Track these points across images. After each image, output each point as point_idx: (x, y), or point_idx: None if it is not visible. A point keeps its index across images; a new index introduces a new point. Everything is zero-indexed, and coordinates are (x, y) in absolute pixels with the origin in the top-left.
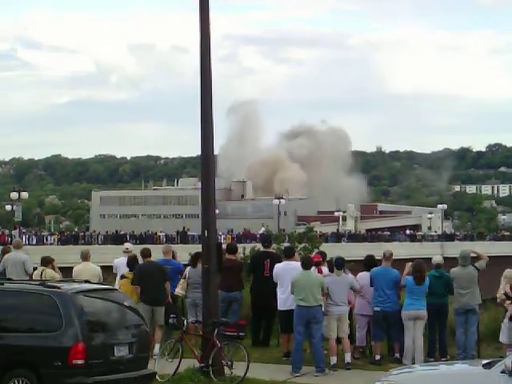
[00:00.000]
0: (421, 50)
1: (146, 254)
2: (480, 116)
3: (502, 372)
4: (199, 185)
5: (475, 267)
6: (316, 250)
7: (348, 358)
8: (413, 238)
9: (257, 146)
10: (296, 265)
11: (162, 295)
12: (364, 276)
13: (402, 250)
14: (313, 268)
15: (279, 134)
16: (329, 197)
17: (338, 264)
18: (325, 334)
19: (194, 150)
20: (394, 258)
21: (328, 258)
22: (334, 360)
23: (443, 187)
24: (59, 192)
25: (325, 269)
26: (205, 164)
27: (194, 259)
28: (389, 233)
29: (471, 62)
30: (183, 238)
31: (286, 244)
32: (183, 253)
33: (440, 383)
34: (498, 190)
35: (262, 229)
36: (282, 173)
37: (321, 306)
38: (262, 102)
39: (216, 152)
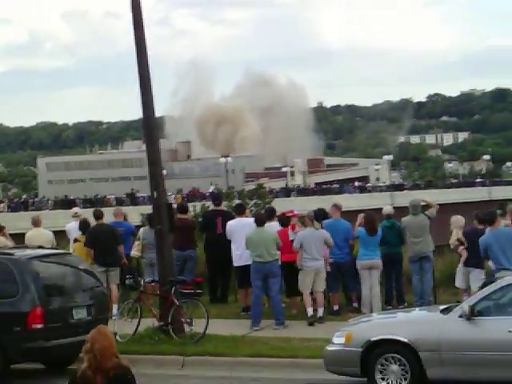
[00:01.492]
0: (355, 5)
1: (98, 215)
2: (418, 68)
3: (460, 317)
4: (144, 147)
5: (426, 215)
6: (267, 206)
7: (321, 312)
8: (362, 190)
9: (209, 103)
10: (248, 221)
11: (117, 256)
12: None
13: (352, 201)
14: (278, 227)
15: (236, 86)
16: (280, 152)
17: (318, 216)
18: (299, 289)
19: (135, 113)
20: (344, 209)
21: (296, 212)
22: (310, 312)
23: (388, 139)
24: (4, 160)
25: (276, 223)
26: (147, 126)
27: (150, 220)
28: (338, 185)
29: (407, 14)
30: (133, 199)
31: (237, 201)
32: (134, 214)
33: (399, 330)
34: (442, 138)
35: (212, 187)
36: (237, 129)
37: (277, 260)
38: (202, 63)
39: (160, 113)
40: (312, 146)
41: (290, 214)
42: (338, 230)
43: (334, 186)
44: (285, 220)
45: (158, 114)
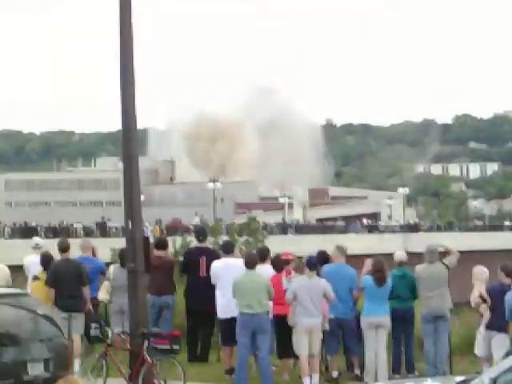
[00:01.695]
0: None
1: (63, 248)
2: (444, 82)
3: None
4: (121, 165)
5: (444, 264)
6: (260, 245)
7: (316, 379)
8: (371, 229)
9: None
10: (237, 262)
11: (81, 300)
12: None
13: (358, 243)
14: (273, 272)
15: (235, 95)
16: (280, 178)
17: (311, 264)
18: (295, 351)
19: (114, 123)
20: (349, 253)
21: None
22: (306, 382)
23: (404, 167)
24: None
25: (269, 266)
26: (126, 140)
27: (123, 257)
28: (343, 223)
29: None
30: (103, 230)
31: (225, 237)
32: (104, 248)
33: None
34: (467, 170)
35: (196, 218)
36: (233, 148)
37: (268, 312)
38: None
39: (143, 125)
40: (318, 172)
41: (287, 257)
42: (340, 279)
43: (339, 223)
44: (280, 264)
45: (140, 125)
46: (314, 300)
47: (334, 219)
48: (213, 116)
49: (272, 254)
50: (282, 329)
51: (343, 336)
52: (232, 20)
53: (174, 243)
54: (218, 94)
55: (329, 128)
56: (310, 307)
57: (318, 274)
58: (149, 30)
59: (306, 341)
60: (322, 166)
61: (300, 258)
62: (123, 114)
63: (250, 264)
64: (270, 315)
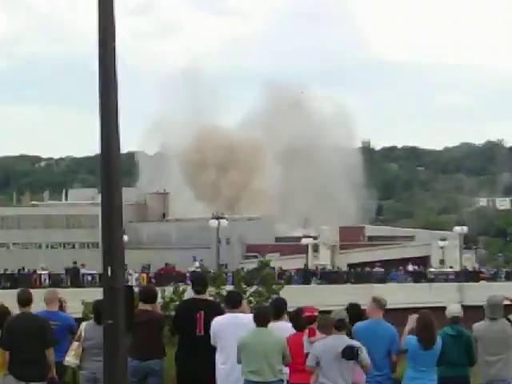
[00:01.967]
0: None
1: (24, 300)
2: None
3: None
4: (98, 198)
5: (510, 322)
6: (274, 296)
7: None
8: (418, 278)
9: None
10: (244, 319)
11: (43, 366)
12: None
13: (401, 295)
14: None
15: (249, 110)
16: (303, 214)
17: (340, 324)
18: None
19: (90, 147)
20: (389, 306)
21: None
22: None
23: (462, 200)
24: None
25: (286, 324)
26: (106, 167)
27: (98, 311)
28: (382, 269)
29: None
30: (75, 278)
31: (230, 287)
32: (75, 301)
33: None
34: None
35: (195, 264)
36: (250, 176)
37: (282, 381)
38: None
39: (131, 148)
40: (353, 207)
41: (311, 314)
42: (377, 339)
43: (377, 269)
44: (301, 321)
45: (126, 148)
46: (343, 367)
47: (371, 265)
48: (222, 137)
49: (291, 309)
50: None
51: None
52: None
53: (164, 294)
54: (228, 108)
55: (366, 152)
56: (337, 377)
57: (349, 335)
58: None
59: None
60: (357, 199)
61: (326, 313)
62: (102, 134)
63: (261, 320)
64: None
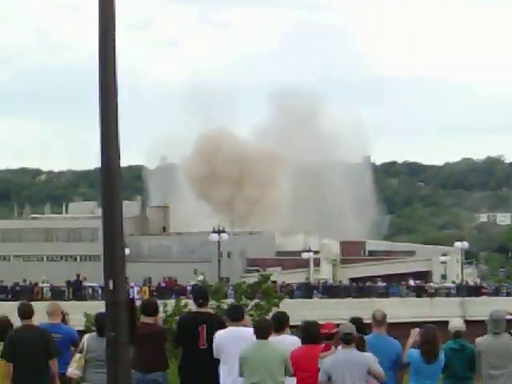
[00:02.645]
0: (421, 13)
1: (25, 312)
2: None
3: None
4: (99, 212)
5: None
6: (275, 309)
7: None
8: (419, 292)
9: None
10: (246, 332)
11: (46, 378)
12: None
13: (403, 309)
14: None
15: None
16: (305, 228)
17: (346, 338)
18: None
19: (91, 160)
20: (391, 321)
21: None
22: None
23: (463, 216)
24: None
25: (289, 337)
26: (106, 179)
27: (100, 323)
28: (384, 284)
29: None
30: (77, 291)
31: (231, 301)
32: (77, 313)
33: None
34: None
35: (200, 277)
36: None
37: None
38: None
39: (139, 161)
40: (353, 222)
41: (327, 331)
42: (382, 352)
43: (379, 284)
44: (313, 333)
45: (133, 161)
46: (355, 380)
47: (373, 279)
48: (234, 150)
49: (293, 323)
50: None
51: None
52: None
53: (165, 308)
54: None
55: (365, 168)
56: None
57: (363, 346)
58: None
59: None
60: (367, 213)
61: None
62: (103, 148)
63: (261, 333)
64: None
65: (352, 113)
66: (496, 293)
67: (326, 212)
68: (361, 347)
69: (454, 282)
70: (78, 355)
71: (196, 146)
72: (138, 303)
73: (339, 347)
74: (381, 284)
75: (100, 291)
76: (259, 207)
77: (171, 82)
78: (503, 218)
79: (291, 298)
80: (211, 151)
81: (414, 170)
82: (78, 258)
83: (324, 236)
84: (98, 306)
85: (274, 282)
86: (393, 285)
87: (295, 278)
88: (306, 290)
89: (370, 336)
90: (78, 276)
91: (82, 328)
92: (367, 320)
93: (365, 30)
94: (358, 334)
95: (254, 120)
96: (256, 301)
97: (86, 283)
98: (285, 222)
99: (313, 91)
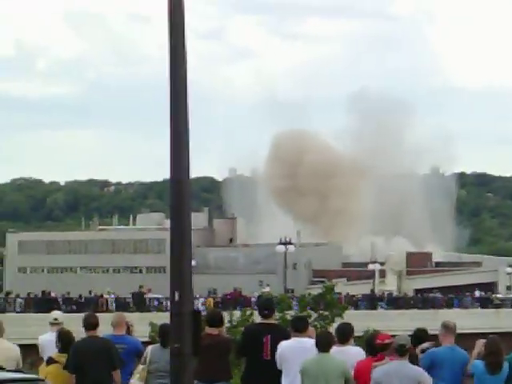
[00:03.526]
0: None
1: (90, 323)
2: None
3: None
4: (167, 223)
5: None
6: (339, 320)
7: None
8: (484, 303)
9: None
10: (308, 343)
11: None
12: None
13: (467, 320)
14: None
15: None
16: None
17: (401, 349)
18: None
19: (160, 172)
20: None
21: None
22: None
23: None
24: None
25: (353, 348)
26: (176, 191)
27: (164, 334)
28: (449, 295)
29: None
30: (141, 302)
31: (295, 312)
32: (141, 325)
33: None
34: None
35: (267, 288)
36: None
37: None
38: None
39: (222, 173)
40: (422, 232)
41: (381, 342)
42: (453, 363)
43: (443, 295)
44: (373, 346)
45: (204, 173)
46: None
47: (438, 290)
48: (315, 159)
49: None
50: None
51: None
52: None
53: (231, 318)
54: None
55: (434, 177)
56: None
57: (415, 360)
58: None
59: None
60: (438, 226)
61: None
62: (173, 160)
63: (323, 346)
64: None
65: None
66: None
67: (404, 223)
68: (413, 359)
69: None
70: (141, 366)
71: (274, 155)
72: (203, 314)
73: (388, 358)
74: (445, 295)
75: (164, 303)
76: (342, 218)
77: (244, 92)
78: None
79: (356, 308)
80: (292, 161)
81: (482, 181)
82: (144, 270)
83: (401, 248)
84: (164, 317)
85: (339, 293)
86: (455, 296)
87: (360, 289)
88: (371, 301)
89: (443, 347)
90: (141, 287)
91: (146, 339)
92: (431, 331)
93: (437, 37)
94: (412, 346)
95: (332, 128)
96: (320, 312)
97: (150, 295)
98: (364, 234)
99: (395, 100)
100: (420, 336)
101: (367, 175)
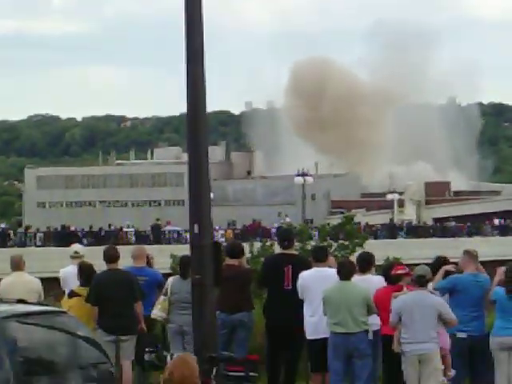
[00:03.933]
0: None
1: (111, 256)
2: None
3: None
4: (184, 157)
5: None
6: (360, 250)
7: None
8: (504, 231)
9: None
10: (331, 272)
11: (132, 319)
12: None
13: (487, 248)
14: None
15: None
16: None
17: (420, 280)
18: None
19: (176, 106)
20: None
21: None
22: None
23: None
24: None
25: (374, 277)
26: (193, 126)
27: (184, 266)
28: (468, 223)
29: None
30: (160, 234)
31: (315, 242)
32: (161, 257)
33: None
34: None
35: (286, 219)
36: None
37: (366, 331)
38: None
39: (240, 108)
40: (443, 162)
41: (395, 272)
42: (476, 288)
43: (462, 224)
44: (392, 277)
45: (221, 106)
46: (425, 323)
47: (457, 219)
48: (337, 89)
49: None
50: (391, 353)
51: (472, 359)
52: None
53: (252, 249)
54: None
55: (451, 108)
56: (418, 332)
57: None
58: None
59: (416, 372)
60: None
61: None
62: (189, 94)
63: (344, 274)
64: (370, 335)
65: (455, 54)
66: None
67: (426, 151)
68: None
69: None
70: (162, 297)
71: (293, 85)
72: (223, 246)
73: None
74: (464, 224)
75: (184, 235)
76: (363, 149)
77: (258, 24)
78: None
79: (375, 238)
80: (312, 90)
81: (499, 111)
82: (163, 203)
83: (422, 176)
84: (184, 249)
85: (358, 223)
86: (477, 224)
87: (379, 219)
88: (390, 231)
89: (466, 274)
90: (158, 220)
91: (166, 271)
92: (452, 259)
93: None
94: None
95: (351, 58)
96: (340, 241)
97: (169, 227)
98: (384, 164)
99: (422, 29)
100: (441, 263)
101: (389, 104)
